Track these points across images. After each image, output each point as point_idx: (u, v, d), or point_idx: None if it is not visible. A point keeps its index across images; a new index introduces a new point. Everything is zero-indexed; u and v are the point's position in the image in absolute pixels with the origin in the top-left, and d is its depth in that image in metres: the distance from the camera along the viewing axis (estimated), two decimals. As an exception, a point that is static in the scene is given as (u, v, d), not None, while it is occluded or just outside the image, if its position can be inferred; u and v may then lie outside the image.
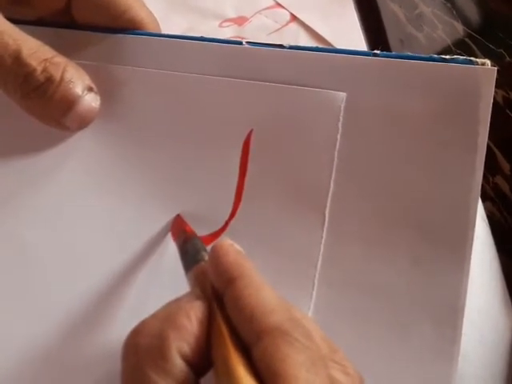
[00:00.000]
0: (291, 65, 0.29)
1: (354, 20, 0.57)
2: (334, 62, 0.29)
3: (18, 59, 0.27)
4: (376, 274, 0.28)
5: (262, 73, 0.30)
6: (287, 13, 0.57)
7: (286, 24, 0.56)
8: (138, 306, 0.29)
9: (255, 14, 0.57)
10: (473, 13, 0.53)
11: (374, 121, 0.29)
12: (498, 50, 0.49)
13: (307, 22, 0.56)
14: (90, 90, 0.29)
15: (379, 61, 0.28)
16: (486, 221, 0.46)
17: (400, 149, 0.28)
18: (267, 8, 0.57)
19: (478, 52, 0.53)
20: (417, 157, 0.28)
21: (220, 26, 0.56)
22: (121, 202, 0.31)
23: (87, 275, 0.30)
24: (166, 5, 0.56)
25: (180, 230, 0.29)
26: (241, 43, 0.30)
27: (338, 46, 0.53)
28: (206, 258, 0.26)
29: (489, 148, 0.27)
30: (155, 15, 0.32)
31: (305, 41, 0.55)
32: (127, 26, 0.31)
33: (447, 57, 0.28)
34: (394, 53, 0.29)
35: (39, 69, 0.28)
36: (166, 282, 0.30)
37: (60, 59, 0.28)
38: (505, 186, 0.53)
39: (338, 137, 0.29)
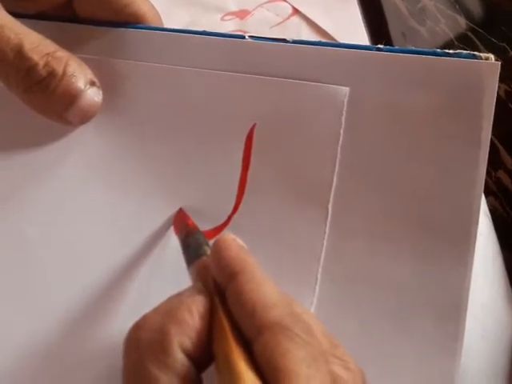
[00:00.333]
0: (294, 59, 0.29)
1: (356, 13, 0.57)
2: (337, 56, 0.29)
3: (19, 53, 0.27)
4: (379, 269, 0.28)
5: (265, 67, 0.29)
6: (289, 6, 0.57)
7: (288, 17, 0.56)
8: (139, 301, 0.29)
9: (257, 7, 0.57)
10: (475, 7, 0.53)
11: (377, 115, 0.29)
12: (501, 44, 0.49)
13: (309, 16, 0.56)
14: (93, 84, 0.29)
15: (382, 55, 0.28)
16: (489, 216, 0.46)
17: (403, 143, 0.28)
18: (269, 1, 0.57)
19: (480, 46, 0.53)
20: (420, 151, 0.28)
21: (222, 19, 0.56)
22: (123, 196, 0.31)
23: (89, 269, 0.30)
24: (167, -2, 0.56)
25: (182, 223, 0.29)
26: (243, 37, 0.30)
27: (340, 39, 0.53)
28: (209, 252, 0.26)
29: (491, 142, 0.27)
30: (157, 9, 0.32)
31: (307, 34, 0.55)
32: (129, 20, 0.31)
33: (451, 51, 0.28)
34: (397, 47, 0.28)
35: (41, 63, 0.28)
36: (168, 276, 0.30)
37: (62, 53, 0.28)
38: (507, 181, 0.53)
39: (341, 131, 0.29)
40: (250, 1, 0.57)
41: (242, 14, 0.56)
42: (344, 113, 0.29)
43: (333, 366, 0.21)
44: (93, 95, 0.29)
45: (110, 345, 0.29)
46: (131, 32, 0.31)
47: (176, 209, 0.30)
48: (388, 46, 0.29)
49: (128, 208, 0.31)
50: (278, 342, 0.20)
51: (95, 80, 0.29)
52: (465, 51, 0.27)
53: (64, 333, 0.29)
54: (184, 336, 0.22)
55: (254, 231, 0.29)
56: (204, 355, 0.22)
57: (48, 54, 0.28)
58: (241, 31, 0.54)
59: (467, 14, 0.55)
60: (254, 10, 0.56)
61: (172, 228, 0.30)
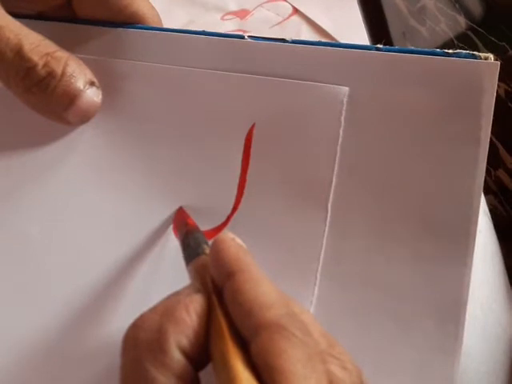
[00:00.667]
0: (294, 59, 0.29)
1: (356, 13, 0.57)
2: (336, 56, 0.29)
3: (19, 54, 0.27)
4: (378, 268, 0.28)
5: (265, 67, 0.29)
6: (289, 6, 0.57)
7: (288, 17, 0.56)
8: (138, 299, 0.29)
9: (257, 6, 0.57)
10: (475, 6, 0.53)
11: (376, 115, 0.29)
12: (501, 44, 0.49)
13: (309, 15, 0.56)
14: (92, 84, 0.29)
15: (382, 55, 0.28)
16: (489, 215, 0.46)
17: (402, 143, 0.28)
18: (269, 1, 0.57)
19: (480, 45, 0.53)
20: (419, 150, 0.28)
21: (222, 18, 0.56)
22: (123, 195, 0.31)
23: (88, 268, 0.30)
24: (167, -2, 0.56)
25: (182, 222, 0.29)
26: (243, 37, 0.30)
27: (340, 38, 0.53)
28: (208, 251, 0.26)
29: (491, 141, 0.27)
30: (157, 8, 0.32)
31: (307, 34, 0.55)
32: (129, 21, 0.31)
33: (450, 51, 0.28)
34: (396, 47, 0.28)
35: (41, 63, 0.28)
36: (167, 275, 0.30)
37: (61, 53, 0.28)
38: (507, 180, 0.53)
39: (341, 131, 0.29)
40: (250, 0, 0.57)
41: (241, 14, 0.56)
42: (343, 112, 0.29)
43: (330, 366, 0.21)
44: (92, 95, 0.29)
45: (109, 343, 0.29)
46: (131, 32, 0.31)
47: (175, 208, 0.30)
48: (387, 46, 0.29)
49: (127, 207, 0.31)
50: (274, 341, 0.20)
51: (95, 80, 0.29)
52: (464, 51, 0.27)
53: (63, 331, 0.29)
54: (181, 335, 0.22)
55: (254, 231, 0.29)
56: (201, 354, 0.22)
57: (47, 54, 0.28)
58: (241, 31, 0.54)
59: (467, 14, 0.55)
60: (254, 9, 0.56)
61: (171, 227, 0.30)
